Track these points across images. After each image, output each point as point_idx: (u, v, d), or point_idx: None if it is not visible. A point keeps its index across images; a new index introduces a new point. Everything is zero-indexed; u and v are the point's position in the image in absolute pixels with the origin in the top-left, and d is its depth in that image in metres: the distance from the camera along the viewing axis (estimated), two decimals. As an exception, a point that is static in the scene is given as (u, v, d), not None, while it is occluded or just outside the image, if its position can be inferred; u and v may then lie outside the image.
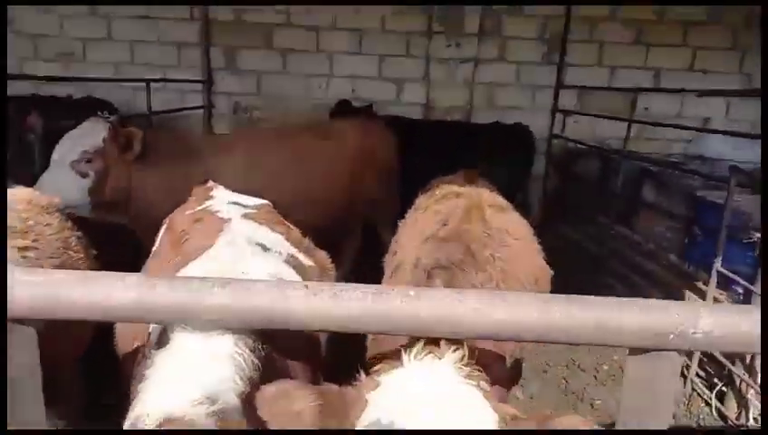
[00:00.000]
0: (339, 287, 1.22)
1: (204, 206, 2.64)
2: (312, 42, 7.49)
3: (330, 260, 2.70)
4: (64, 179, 3.34)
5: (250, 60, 7.59)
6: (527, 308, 1.21)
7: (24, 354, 1.30)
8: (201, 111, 7.59)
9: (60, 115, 5.02)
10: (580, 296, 1.27)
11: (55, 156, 3.46)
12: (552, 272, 2.43)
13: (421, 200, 2.92)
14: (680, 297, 4.40)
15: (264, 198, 2.85)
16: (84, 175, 3.42)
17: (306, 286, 1.20)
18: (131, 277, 1.24)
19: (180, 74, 7.53)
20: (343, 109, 6.50)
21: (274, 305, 1.20)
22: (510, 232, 2.13)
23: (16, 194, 2.49)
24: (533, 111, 7.58)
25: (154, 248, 2.64)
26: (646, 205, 5.66)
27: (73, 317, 1.25)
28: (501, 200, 2.58)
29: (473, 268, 1.68)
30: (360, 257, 5.32)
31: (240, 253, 2.01)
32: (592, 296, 1.28)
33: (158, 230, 2.80)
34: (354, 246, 5.19)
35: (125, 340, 2.04)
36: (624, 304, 1.24)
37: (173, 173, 3.60)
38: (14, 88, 6.32)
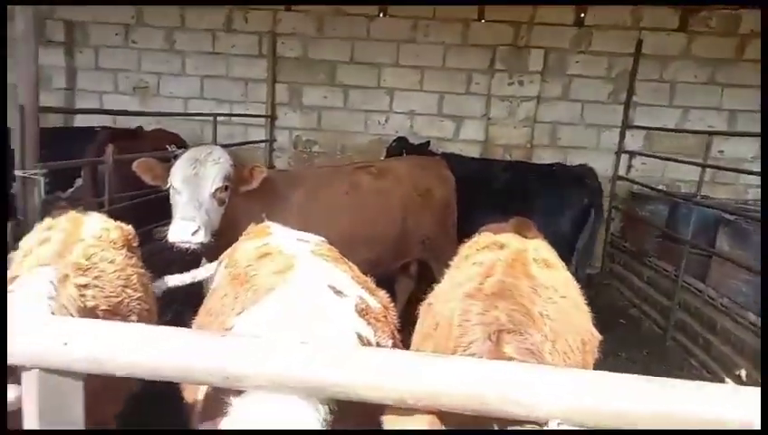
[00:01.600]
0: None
1: (266, 241, 2.65)
2: (374, 78, 7.60)
3: (390, 300, 2.64)
4: (209, 207, 3.41)
5: (313, 95, 7.78)
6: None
7: (69, 408, 1.29)
8: (263, 144, 7.81)
9: (131, 147, 5.25)
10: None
11: (186, 183, 3.44)
12: (600, 337, 2.23)
13: (463, 249, 2.79)
14: (757, 361, 4.02)
15: (321, 234, 2.83)
16: (222, 203, 3.49)
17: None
18: (169, 335, 1.21)
19: (246, 109, 7.82)
20: (401, 145, 6.51)
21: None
22: (557, 289, 1.99)
23: (90, 226, 2.58)
24: (597, 151, 7.35)
25: (213, 285, 2.66)
26: (720, 255, 5.28)
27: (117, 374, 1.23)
28: (547, 254, 2.41)
29: (534, 330, 1.56)
30: (413, 296, 5.23)
31: (316, 300, 1.95)
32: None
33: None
34: (408, 286, 5.10)
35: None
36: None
37: (264, 207, 3.65)
38: (95, 120, 6.76)
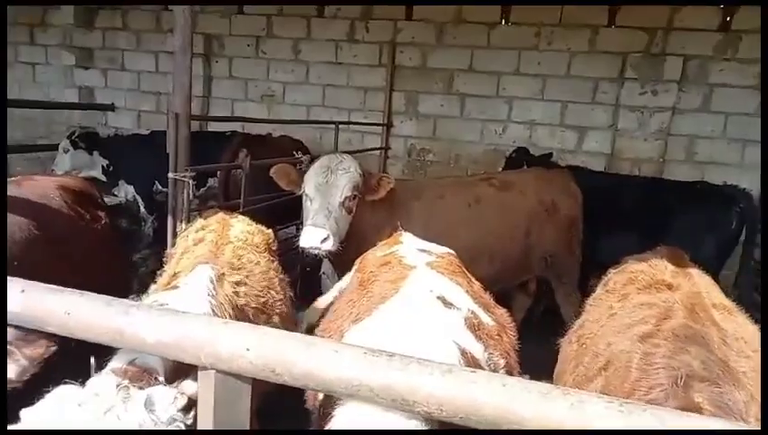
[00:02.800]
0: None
1: (392, 250, 2.67)
2: (493, 87, 7.44)
3: (511, 319, 2.53)
4: (338, 216, 3.48)
5: (429, 104, 7.78)
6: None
7: (240, 407, 1.33)
8: (378, 152, 7.93)
9: (261, 153, 5.53)
10: None
11: (318, 191, 3.52)
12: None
13: (615, 283, 2.55)
14: None
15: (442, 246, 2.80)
16: (350, 212, 3.57)
17: (545, 392, 1.05)
18: (346, 350, 1.21)
19: (364, 117, 8.00)
20: (521, 156, 6.29)
21: (501, 404, 1.07)
22: (746, 341, 1.75)
23: (237, 228, 2.72)
24: (741, 168, 6.63)
25: (345, 285, 2.72)
26: None
27: (290, 384, 1.25)
28: (724, 298, 2.15)
29: (732, 385, 1.37)
30: (530, 314, 5.04)
31: (421, 310, 1.96)
32: None
33: (352, 265, 2.91)
34: (525, 304, 4.91)
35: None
36: None
37: (388, 217, 3.71)
38: (226, 126, 7.24)
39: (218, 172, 5.62)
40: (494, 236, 4.23)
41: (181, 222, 3.65)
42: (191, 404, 1.43)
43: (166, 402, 1.39)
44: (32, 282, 1.40)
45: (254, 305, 2.25)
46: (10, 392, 1.46)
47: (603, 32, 6.93)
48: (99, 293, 1.48)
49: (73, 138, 7.32)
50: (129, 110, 9.30)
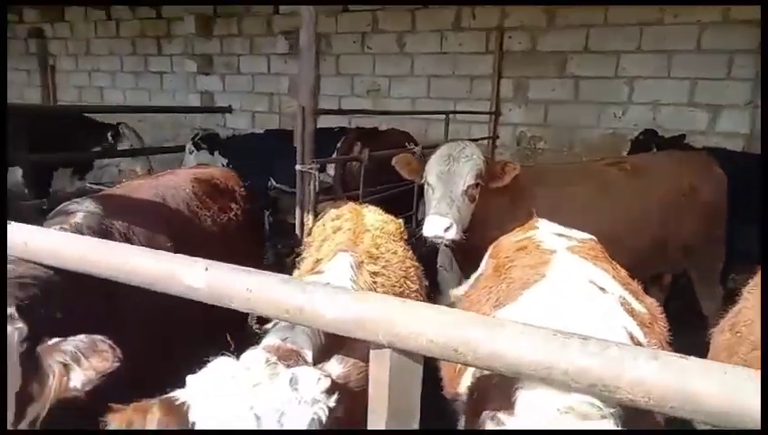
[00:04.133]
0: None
1: (528, 235, 2.57)
2: (611, 67, 6.99)
3: (661, 309, 2.34)
4: (461, 204, 3.43)
5: (540, 89, 7.47)
6: None
7: (412, 388, 1.32)
8: (486, 142, 7.76)
9: (374, 145, 5.60)
10: None
11: (440, 180, 3.47)
12: None
13: None
14: None
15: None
16: (473, 200, 3.50)
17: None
18: (534, 331, 1.15)
19: (470, 106, 7.85)
20: (649, 138, 5.84)
21: (724, 394, 0.96)
22: None
23: (370, 218, 2.75)
24: None
25: (478, 273, 2.67)
26: None
27: (471, 364, 1.22)
28: None
29: None
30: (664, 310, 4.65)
31: (576, 295, 1.86)
32: None
33: (475, 253, 2.83)
34: (659, 298, 4.54)
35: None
36: None
37: (511, 204, 3.62)
38: (333, 121, 7.43)
39: (334, 166, 5.78)
40: (625, 226, 3.95)
41: (308, 212, 3.78)
42: (334, 387, 1.44)
43: (310, 382, 1.41)
44: (214, 262, 1.48)
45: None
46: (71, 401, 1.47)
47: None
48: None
49: (196, 139, 7.90)
50: (245, 111, 9.85)
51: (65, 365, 1.39)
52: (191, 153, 8.01)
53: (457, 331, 1.18)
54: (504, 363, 1.13)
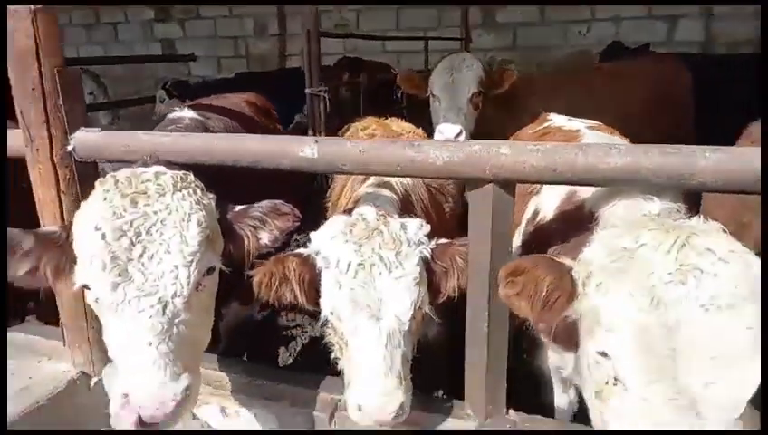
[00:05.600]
0: None
1: (545, 125, 2.87)
2: (573, -14, 7.25)
3: None
4: (467, 112, 3.65)
5: (507, 14, 7.67)
6: None
7: (507, 220, 1.60)
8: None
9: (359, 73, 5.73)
10: None
11: (445, 90, 3.70)
12: None
13: None
14: None
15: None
16: (476, 107, 3.72)
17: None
18: (620, 145, 1.44)
19: (440, 35, 7.98)
20: (616, 50, 6.20)
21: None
22: None
23: (396, 125, 2.99)
24: None
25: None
26: None
27: (569, 182, 1.51)
28: None
29: None
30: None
31: None
32: None
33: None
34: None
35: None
36: None
37: (507, 112, 3.88)
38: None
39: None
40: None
41: (319, 134, 3.97)
42: (432, 233, 1.71)
43: (416, 227, 1.69)
44: (321, 138, 1.70)
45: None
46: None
47: None
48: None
49: (167, 86, 7.76)
50: (209, 57, 9.64)
51: (254, 227, 1.63)
52: (162, 102, 7.89)
53: (555, 155, 1.46)
54: (598, 175, 1.43)
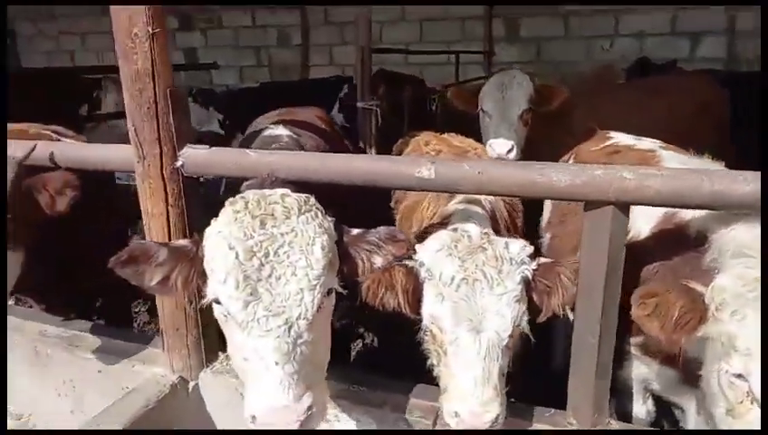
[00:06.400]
0: None
1: (609, 143, 2.94)
2: (598, 2, 7.36)
3: None
4: (518, 128, 3.71)
5: (531, 27, 7.79)
6: None
7: (621, 243, 1.67)
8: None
9: (394, 86, 5.80)
10: None
11: (496, 107, 3.77)
12: None
13: None
14: None
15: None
16: (526, 124, 3.79)
17: None
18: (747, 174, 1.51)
19: (464, 47, 8.09)
20: (643, 67, 6.30)
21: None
22: None
23: (457, 141, 3.06)
24: None
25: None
26: None
27: (695, 207, 1.58)
28: None
29: None
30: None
31: None
32: None
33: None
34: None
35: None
36: None
37: (553, 127, 3.96)
38: (325, 72, 7.49)
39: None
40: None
41: (371, 147, 4.04)
42: (535, 254, 1.78)
43: (519, 248, 1.76)
44: (437, 158, 1.78)
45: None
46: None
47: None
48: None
49: (192, 93, 7.83)
50: (231, 66, 9.73)
51: (369, 251, 1.68)
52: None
53: (679, 181, 1.53)
54: (725, 202, 1.50)
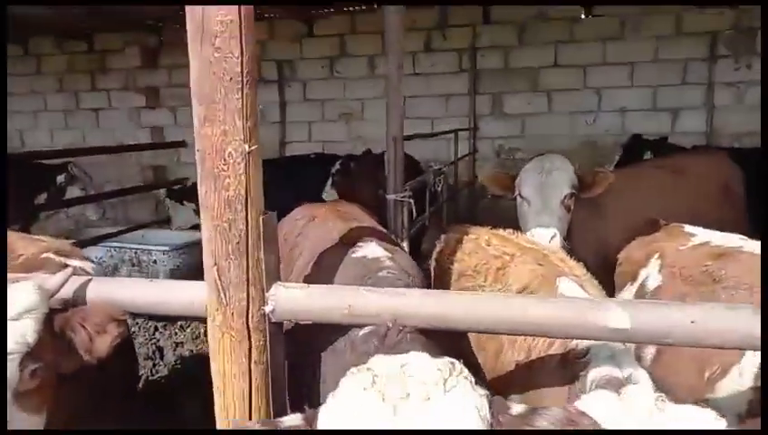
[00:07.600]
0: None
1: (696, 241, 2.72)
2: (580, 79, 7.53)
3: None
4: (560, 214, 3.51)
5: (515, 104, 7.85)
6: None
7: None
8: (468, 157, 7.97)
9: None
10: None
11: (536, 192, 3.59)
12: None
13: None
14: None
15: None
16: (569, 210, 3.58)
17: None
18: None
19: (447, 123, 8.02)
20: (638, 143, 6.37)
21: None
22: None
23: (526, 240, 2.76)
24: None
25: (648, 284, 2.73)
26: None
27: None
28: None
29: None
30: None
31: None
32: None
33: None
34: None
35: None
36: None
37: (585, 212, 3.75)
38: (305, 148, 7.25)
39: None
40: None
41: (402, 241, 3.67)
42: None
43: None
44: (628, 301, 1.42)
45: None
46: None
47: (687, 16, 7.04)
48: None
49: (171, 196, 7.44)
50: (202, 144, 9.25)
51: None
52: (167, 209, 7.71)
53: (721, 321, 1.31)
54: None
